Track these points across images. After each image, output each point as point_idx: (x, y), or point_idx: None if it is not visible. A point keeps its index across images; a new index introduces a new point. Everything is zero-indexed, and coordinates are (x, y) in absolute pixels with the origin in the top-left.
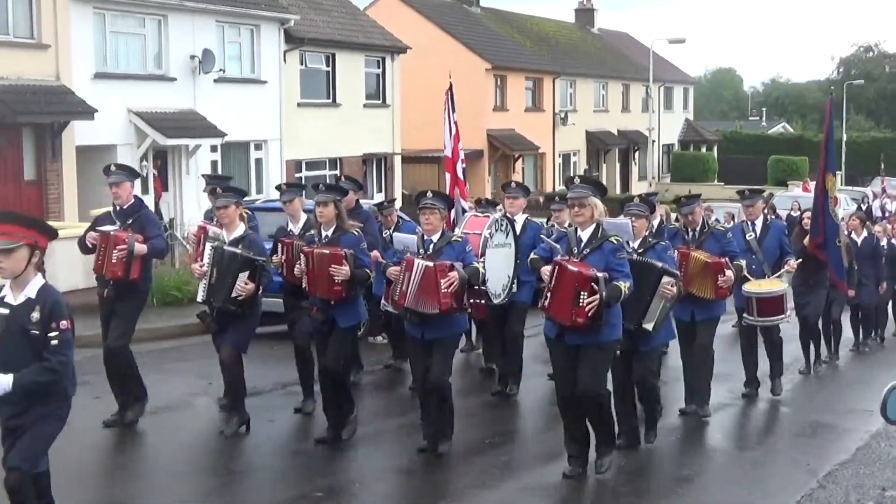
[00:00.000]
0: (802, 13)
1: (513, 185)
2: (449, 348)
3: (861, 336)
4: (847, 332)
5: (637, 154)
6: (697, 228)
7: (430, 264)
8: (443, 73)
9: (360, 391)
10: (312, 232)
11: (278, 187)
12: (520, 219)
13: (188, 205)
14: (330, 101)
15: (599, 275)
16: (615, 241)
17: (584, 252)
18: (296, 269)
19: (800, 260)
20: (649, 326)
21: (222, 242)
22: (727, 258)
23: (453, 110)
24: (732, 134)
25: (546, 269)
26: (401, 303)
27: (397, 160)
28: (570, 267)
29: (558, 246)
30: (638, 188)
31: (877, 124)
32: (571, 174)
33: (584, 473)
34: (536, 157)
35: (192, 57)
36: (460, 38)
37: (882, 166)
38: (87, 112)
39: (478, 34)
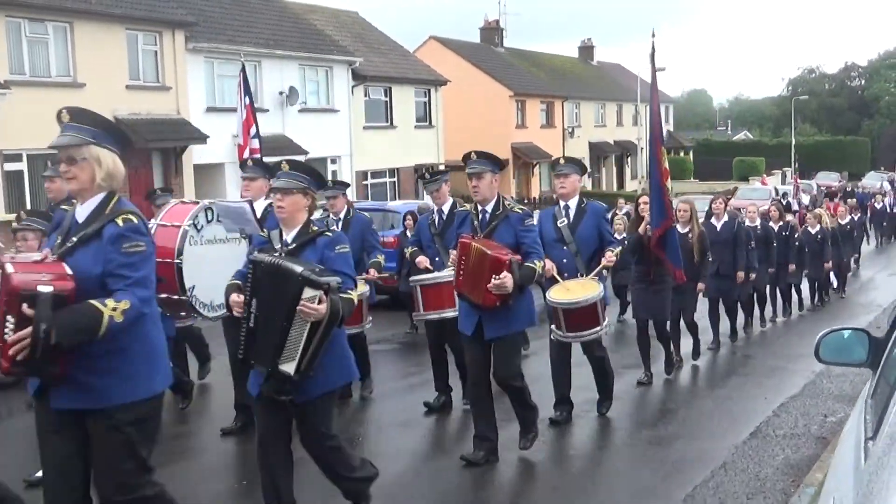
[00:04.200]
0: (759, 43)
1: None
2: None
3: (730, 328)
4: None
5: (629, 159)
6: (489, 210)
7: None
8: (475, 100)
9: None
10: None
11: None
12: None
13: None
14: (388, 123)
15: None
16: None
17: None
18: None
19: (619, 250)
20: (289, 368)
21: None
22: (517, 255)
23: (246, 93)
24: (704, 141)
25: None
26: None
27: (441, 168)
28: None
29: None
30: (630, 186)
31: (819, 130)
32: None
33: None
34: (550, 164)
35: (281, 92)
36: (489, 72)
37: (796, 165)
38: (201, 138)
39: (502, 68)
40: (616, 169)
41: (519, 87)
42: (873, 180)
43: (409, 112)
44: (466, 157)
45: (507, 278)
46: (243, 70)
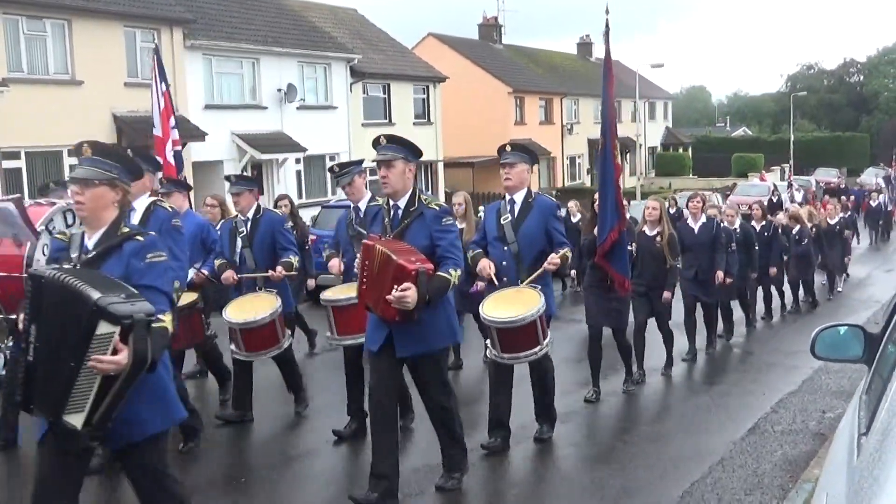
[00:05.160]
0: (757, 40)
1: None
2: None
3: (707, 337)
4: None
5: (628, 155)
6: (402, 206)
7: None
8: (474, 96)
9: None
10: None
11: None
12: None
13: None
14: (387, 120)
15: None
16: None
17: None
18: None
19: (565, 251)
20: (76, 421)
21: None
22: (430, 264)
23: (161, 79)
24: (703, 137)
25: None
26: None
27: (440, 165)
28: None
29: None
30: (629, 183)
31: (818, 127)
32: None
33: None
34: (549, 160)
35: (279, 90)
36: (487, 69)
37: (791, 162)
38: (200, 135)
39: (501, 65)
40: None
41: (517, 84)
42: (871, 176)
43: (407, 109)
44: (376, 143)
45: (409, 291)
46: (156, 51)
